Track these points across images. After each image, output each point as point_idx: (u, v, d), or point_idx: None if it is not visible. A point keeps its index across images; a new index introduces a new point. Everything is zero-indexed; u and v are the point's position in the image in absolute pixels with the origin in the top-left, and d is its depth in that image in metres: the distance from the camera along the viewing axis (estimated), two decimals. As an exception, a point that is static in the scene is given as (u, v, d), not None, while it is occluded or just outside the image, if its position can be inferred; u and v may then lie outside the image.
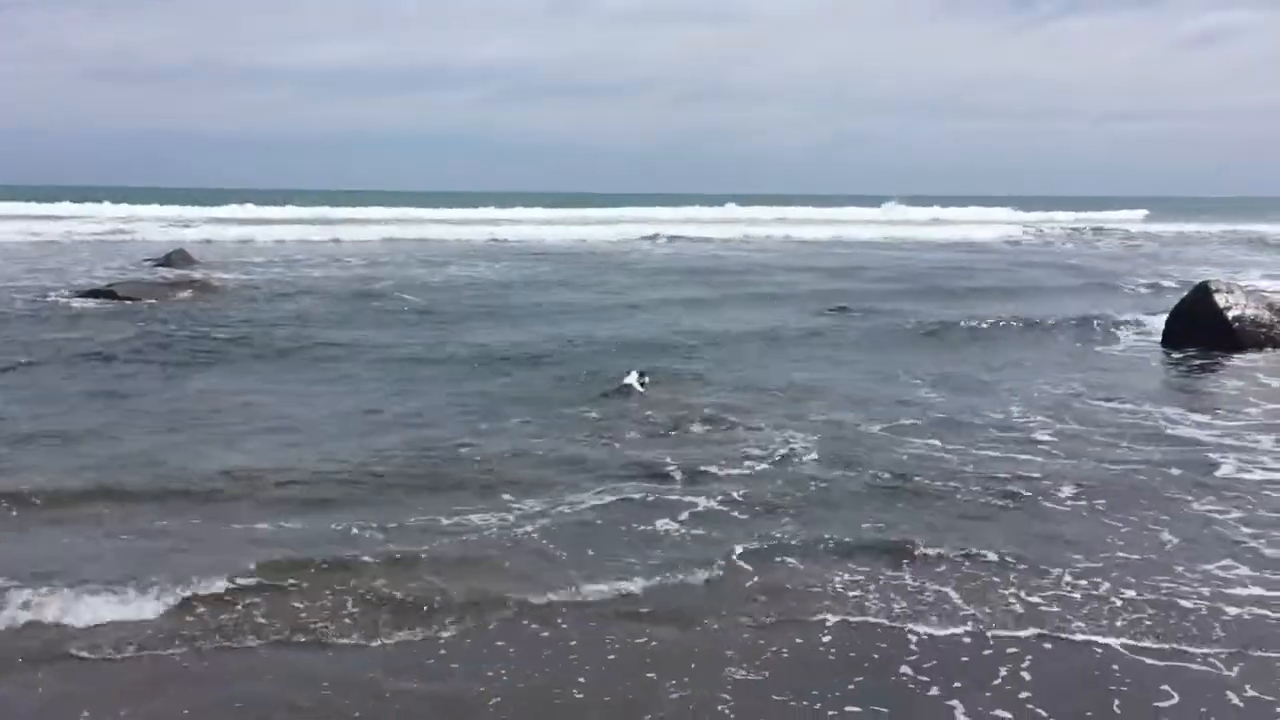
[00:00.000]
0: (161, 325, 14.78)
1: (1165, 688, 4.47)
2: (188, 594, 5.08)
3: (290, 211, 55.04)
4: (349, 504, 6.64)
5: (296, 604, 5.11)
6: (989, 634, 4.93)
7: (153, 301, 17.45)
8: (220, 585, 5.21)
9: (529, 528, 6.32)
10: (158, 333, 14.04)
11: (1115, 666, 4.66)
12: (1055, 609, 5.24)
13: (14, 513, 6.36)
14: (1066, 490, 7.29)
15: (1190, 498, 7.16)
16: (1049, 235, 48.54)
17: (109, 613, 4.84)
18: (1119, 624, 5.07)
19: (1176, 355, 13.55)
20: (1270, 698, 4.41)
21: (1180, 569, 5.83)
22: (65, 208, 52.82)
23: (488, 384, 11.02)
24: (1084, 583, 5.57)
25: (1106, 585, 5.55)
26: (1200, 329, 14.13)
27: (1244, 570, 5.81)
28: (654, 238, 41.13)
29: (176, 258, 25.52)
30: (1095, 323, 15.78)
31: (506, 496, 6.95)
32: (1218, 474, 7.79)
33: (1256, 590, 5.54)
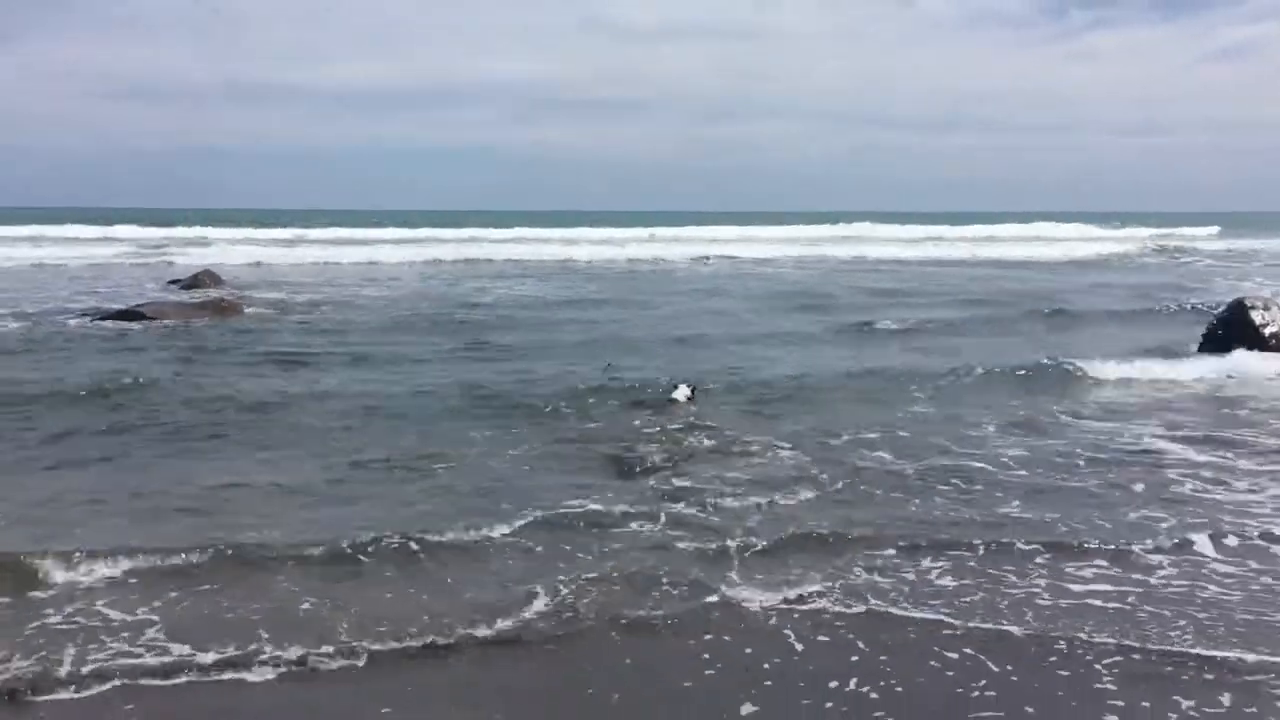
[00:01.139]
0: (185, 347, 16.13)
1: (944, 647, 5.64)
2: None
3: (320, 233, 56.95)
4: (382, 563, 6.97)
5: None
6: (829, 606, 6.13)
7: (179, 323, 18.64)
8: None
9: (525, 539, 7.23)
10: (183, 354, 15.35)
11: (914, 632, 5.82)
12: (888, 589, 6.38)
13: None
14: (1010, 499, 8.28)
15: (1122, 508, 8.05)
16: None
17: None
18: (936, 603, 6.17)
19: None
20: (1048, 665, 5.46)
21: (1041, 561, 6.85)
22: (92, 230, 55.20)
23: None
24: (937, 568, 6.71)
25: (940, 568, 6.68)
26: (1236, 345, 14.75)
27: (1112, 570, 6.75)
28: (705, 259, 42.14)
29: (204, 278, 26.90)
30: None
31: (508, 506, 7.90)
32: (1171, 490, 8.63)
33: (1101, 586, 6.50)
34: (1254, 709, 5.04)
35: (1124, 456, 9.64)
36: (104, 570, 6.46)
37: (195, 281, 26.76)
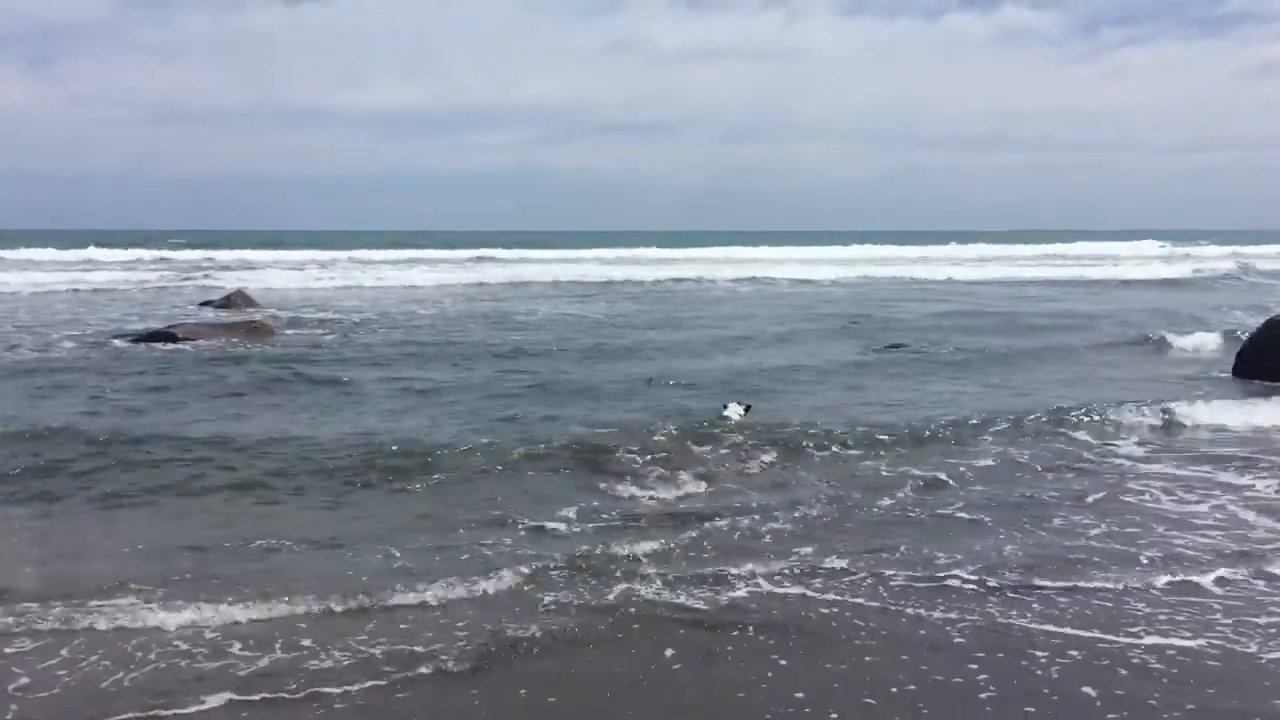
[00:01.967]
0: (212, 370, 16.97)
1: (809, 613, 6.69)
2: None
3: (356, 254, 58.19)
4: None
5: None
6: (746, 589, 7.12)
7: (209, 344, 19.33)
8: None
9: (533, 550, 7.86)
10: (209, 378, 16.01)
11: (787, 601, 6.88)
12: (785, 573, 7.34)
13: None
14: (956, 504, 9.11)
15: (1052, 516, 8.72)
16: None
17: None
18: (814, 585, 7.13)
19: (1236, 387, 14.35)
20: (894, 637, 6.32)
21: (939, 555, 7.70)
22: (130, 253, 56.81)
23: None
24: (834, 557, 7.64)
25: (835, 557, 7.63)
26: (1270, 361, 15.30)
27: (1000, 565, 7.49)
28: (751, 279, 42.53)
29: (236, 299, 27.72)
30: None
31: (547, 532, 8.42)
32: (1119, 499, 9.28)
33: (1007, 576, 7.27)
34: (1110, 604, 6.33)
35: (1097, 457, 10.39)
36: (152, 613, 6.61)
37: (228, 302, 27.66)
